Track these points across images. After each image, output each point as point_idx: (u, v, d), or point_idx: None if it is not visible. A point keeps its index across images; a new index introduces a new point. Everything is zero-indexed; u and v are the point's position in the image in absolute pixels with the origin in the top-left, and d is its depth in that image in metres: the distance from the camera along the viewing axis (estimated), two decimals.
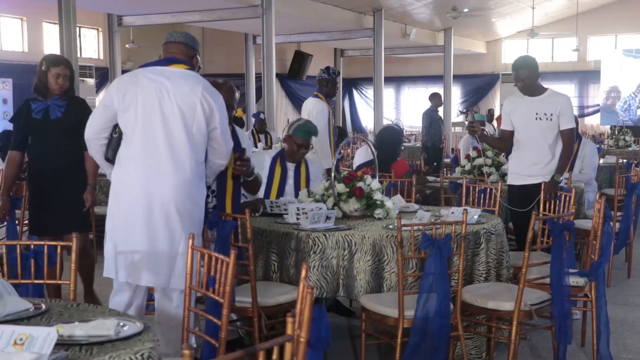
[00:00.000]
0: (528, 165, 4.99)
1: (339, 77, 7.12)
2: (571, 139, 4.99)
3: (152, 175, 3.29)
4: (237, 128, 4.09)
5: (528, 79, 4.94)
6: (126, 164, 3.36)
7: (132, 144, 3.35)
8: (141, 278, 3.32)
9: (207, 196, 3.74)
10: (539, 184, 4.90)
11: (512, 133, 5.09)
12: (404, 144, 10.16)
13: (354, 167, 6.24)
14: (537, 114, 4.94)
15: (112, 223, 3.38)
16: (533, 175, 4.96)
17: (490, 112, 15.60)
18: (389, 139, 6.31)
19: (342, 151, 6.35)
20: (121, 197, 3.36)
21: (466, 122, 5.85)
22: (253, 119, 11.00)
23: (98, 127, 3.45)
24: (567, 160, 5.02)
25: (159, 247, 3.28)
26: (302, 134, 4.73)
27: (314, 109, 6.68)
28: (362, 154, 6.46)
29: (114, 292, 3.43)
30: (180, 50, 3.51)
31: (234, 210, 3.87)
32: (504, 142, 5.22)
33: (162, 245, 3.28)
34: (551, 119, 4.92)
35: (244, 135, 4.24)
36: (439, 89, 17.64)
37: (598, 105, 21.11)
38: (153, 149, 3.31)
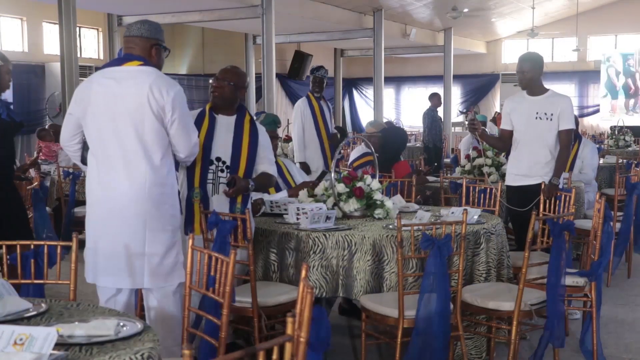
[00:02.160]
0: (527, 165, 4.98)
1: (320, 72, 7.03)
2: (569, 140, 4.99)
3: (107, 182, 3.33)
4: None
5: (530, 72, 4.94)
6: (89, 169, 3.43)
7: (91, 150, 3.41)
8: (111, 281, 3.35)
9: (222, 171, 3.88)
10: (539, 184, 4.89)
11: (511, 133, 5.08)
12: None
13: (349, 163, 6.25)
14: (537, 113, 4.93)
15: (86, 225, 3.44)
16: (532, 176, 4.95)
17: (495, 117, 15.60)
18: (394, 140, 6.31)
19: (342, 151, 6.33)
20: (88, 200, 3.43)
21: (466, 122, 5.84)
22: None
23: (67, 134, 3.51)
24: (564, 162, 5.01)
25: (124, 250, 3.30)
26: (269, 126, 4.87)
27: (295, 114, 7.11)
28: (355, 151, 6.44)
29: (99, 292, 3.45)
30: (136, 43, 3.43)
31: (244, 195, 3.92)
32: (504, 142, 5.21)
33: (128, 248, 3.30)
34: (551, 119, 4.92)
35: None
36: (439, 89, 17.64)
37: (598, 105, 21.11)
38: (106, 156, 3.33)
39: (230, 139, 3.93)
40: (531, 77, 4.95)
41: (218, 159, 3.91)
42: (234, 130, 3.95)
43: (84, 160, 3.51)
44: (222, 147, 3.91)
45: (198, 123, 3.92)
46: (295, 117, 7.11)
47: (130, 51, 3.43)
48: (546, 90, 5.02)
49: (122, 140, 3.30)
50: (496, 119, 9.01)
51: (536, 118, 4.93)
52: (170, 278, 3.37)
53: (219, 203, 3.85)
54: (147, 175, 3.31)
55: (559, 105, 4.93)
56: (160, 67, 3.49)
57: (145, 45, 3.43)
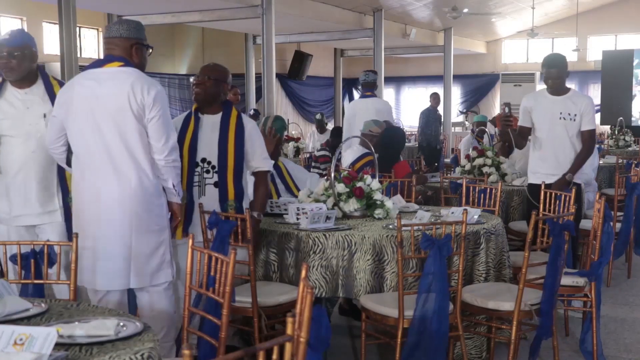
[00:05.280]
0: (551, 164, 5.04)
1: None
2: (592, 140, 5.07)
3: (93, 184, 3.34)
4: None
5: (558, 79, 4.99)
6: (74, 171, 3.44)
7: (75, 152, 3.42)
8: (99, 283, 3.35)
9: (208, 172, 3.82)
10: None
11: (529, 130, 5.14)
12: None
13: (346, 166, 6.22)
14: (561, 113, 5.00)
15: (74, 228, 3.44)
16: (556, 175, 5.02)
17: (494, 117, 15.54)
18: (393, 141, 6.30)
19: (341, 151, 6.34)
20: (74, 203, 3.44)
21: (469, 123, 5.84)
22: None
23: (51, 137, 3.51)
24: (583, 160, 5.08)
25: (111, 251, 3.31)
26: (277, 132, 4.74)
27: (383, 108, 7.60)
28: (352, 152, 6.41)
29: (89, 293, 3.46)
30: (116, 44, 3.43)
31: (236, 192, 3.85)
32: (524, 138, 5.24)
33: (114, 249, 3.31)
34: (574, 119, 4.99)
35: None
36: (439, 89, 17.63)
37: (598, 105, 21.09)
38: (91, 158, 3.34)
39: (216, 138, 3.85)
40: (560, 81, 5.01)
41: (203, 160, 3.85)
42: (219, 129, 3.87)
43: (69, 163, 3.52)
44: (207, 148, 3.85)
45: (185, 126, 3.88)
46: (389, 116, 7.51)
47: (111, 52, 3.43)
48: (568, 89, 5.07)
49: (106, 142, 3.30)
50: (495, 120, 8.98)
51: (560, 118, 5.00)
52: (157, 277, 3.39)
53: (207, 204, 3.79)
54: (132, 175, 3.31)
55: (582, 105, 5.00)
56: (143, 66, 3.48)
57: (125, 46, 3.42)
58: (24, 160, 3.75)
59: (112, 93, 3.30)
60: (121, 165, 3.30)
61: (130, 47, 3.42)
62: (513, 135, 5.26)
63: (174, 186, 3.48)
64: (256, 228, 3.76)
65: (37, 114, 3.76)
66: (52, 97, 3.78)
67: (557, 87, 5.02)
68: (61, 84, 3.84)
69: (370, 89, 7.70)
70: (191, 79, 3.96)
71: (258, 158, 3.94)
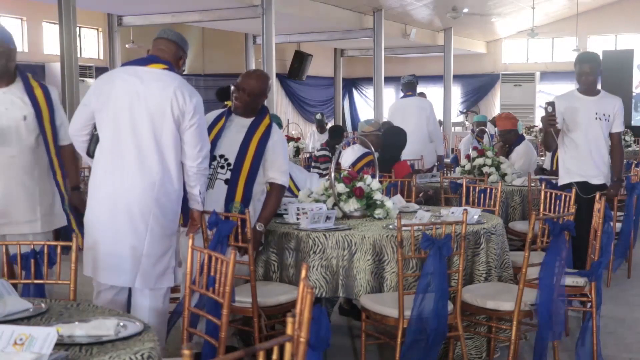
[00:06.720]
0: (590, 165, 5.05)
1: None
2: (621, 141, 5.18)
3: (117, 178, 3.34)
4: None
5: (591, 74, 5.01)
6: (97, 163, 3.44)
7: (103, 144, 3.41)
8: (104, 276, 3.37)
9: (223, 167, 3.87)
10: (602, 185, 5.03)
11: (559, 131, 5.12)
12: None
13: (347, 166, 6.22)
14: (596, 114, 5.03)
15: (86, 219, 3.45)
16: (596, 176, 5.06)
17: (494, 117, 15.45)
18: (394, 141, 6.30)
19: (341, 150, 6.35)
20: (92, 195, 3.44)
21: (469, 123, 5.84)
22: None
23: (78, 124, 3.51)
24: (622, 162, 5.20)
25: (122, 248, 3.31)
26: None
27: (425, 105, 8.15)
28: (353, 152, 6.40)
29: (94, 285, 3.47)
30: (169, 48, 3.48)
31: (244, 196, 3.86)
32: (554, 140, 5.24)
33: (126, 246, 3.32)
34: (608, 120, 5.06)
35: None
36: (439, 89, 17.62)
37: None
38: (120, 152, 3.35)
39: (240, 139, 3.93)
40: (593, 78, 5.04)
41: (221, 156, 3.92)
42: (246, 132, 3.94)
43: (89, 153, 3.52)
44: (228, 146, 3.91)
45: (215, 122, 3.97)
46: (432, 113, 8.04)
47: (159, 53, 3.47)
48: (599, 90, 5.11)
49: (139, 139, 3.32)
50: (495, 120, 8.97)
51: (596, 118, 5.03)
52: (160, 281, 3.41)
53: (213, 199, 3.83)
54: (159, 176, 3.33)
55: (615, 106, 5.08)
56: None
57: (176, 53, 3.50)
58: (2, 166, 3.62)
59: (155, 94, 3.33)
60: (149, 165, 3.33)
61: (179, 57, 3.51)
62: (550, 136, 5.21)
63: (200, 193, 3.55)
64: (256, 238, 3.75)
65: (16, 116, 3.65)
66: (32, 99, 3.70)
67: (589, 84, 5.04)
68: (42, 85, 3.79)
69: (410, 89, 8.21)
70: (232, 86, 4.04)
71: (276, 170, 3.96)
